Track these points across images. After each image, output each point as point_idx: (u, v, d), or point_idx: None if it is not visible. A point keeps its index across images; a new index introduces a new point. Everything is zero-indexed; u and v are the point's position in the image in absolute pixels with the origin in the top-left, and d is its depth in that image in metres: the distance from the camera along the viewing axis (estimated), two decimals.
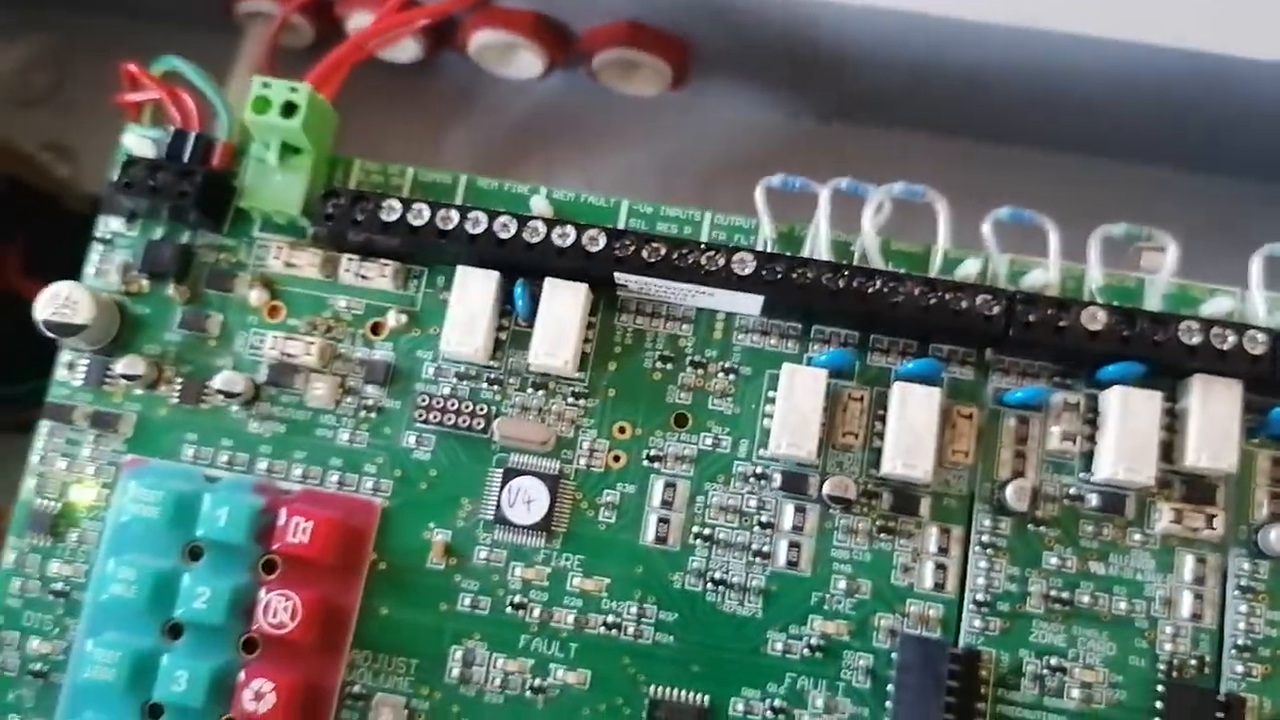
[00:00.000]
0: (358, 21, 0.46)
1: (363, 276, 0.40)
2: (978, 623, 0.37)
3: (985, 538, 0.38)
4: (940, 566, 0.38)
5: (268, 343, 0.40)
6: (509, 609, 0.38)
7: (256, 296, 0.40)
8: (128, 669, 0.36)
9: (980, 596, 0.37)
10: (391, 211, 0.38)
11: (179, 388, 0.40)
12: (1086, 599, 0.37)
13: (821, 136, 0.53)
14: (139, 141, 0.41)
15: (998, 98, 0.48)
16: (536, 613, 0.38)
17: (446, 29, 0.48)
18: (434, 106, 0.54)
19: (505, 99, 0.54)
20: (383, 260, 0.40)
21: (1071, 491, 0.38)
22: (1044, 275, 0.39)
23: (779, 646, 0.37)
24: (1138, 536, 0.38)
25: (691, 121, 0.53)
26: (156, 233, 0.41)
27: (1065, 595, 0.37)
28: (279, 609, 0.36)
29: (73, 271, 0.40)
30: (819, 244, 0.39)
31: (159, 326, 0.40)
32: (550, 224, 0.38)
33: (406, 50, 0.49)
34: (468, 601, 0.38)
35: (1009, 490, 0.37)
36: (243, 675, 0.36)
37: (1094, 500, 0.38)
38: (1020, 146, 0.52)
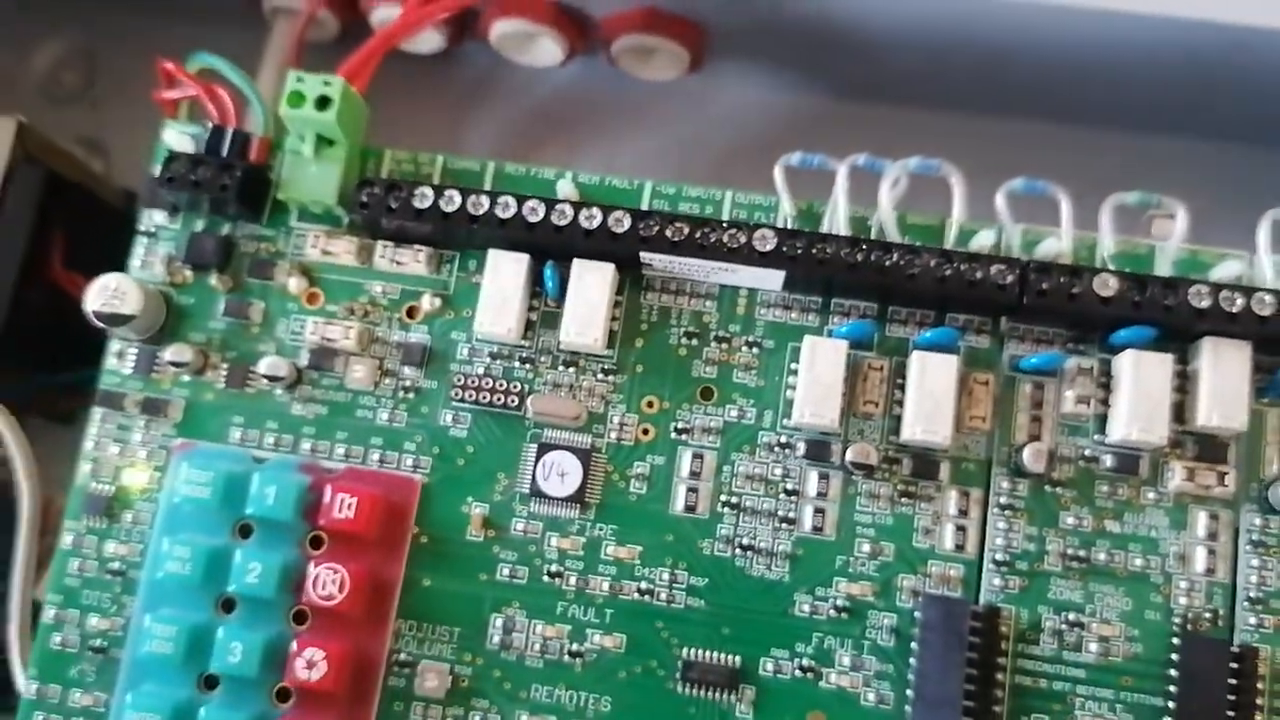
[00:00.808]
0: (383, 14, 0.47)
1: (397, 262, 0.41)
2: (997, 581, 0.38)
3: (1003, 499, 0.39)
4: (960, 528, 0.38)
5: (308, 328, 0.41)
6: (546, 578, 0.39)
7: (296, 284, 0.41)
8: (184, 642, 0.38)
9: (999, 556, 0.38)
10: (424, 199, 0.39)
11: (225, 373, 0.41)
12: (1103, 556, 0.38)
13: (836, 117, 0.53)
14: (178, 137, 0.42)
15: (1009, 74, 0.49)
16: (573, 581, 0.39)
17: (468, 19, 0.49)
18: (456, 96, 0.54)
19: (526, 86, 0.54)
20: (416, 246, 0.41)
21: (1086, 453, 0.39)
22: (1057, 244, 0.39)
23: (806, 608, 0.38)
24: (1151, 495, 0.38)
25: (709, 104, 0.53)
26: (198, 225, 0.42)
27: (1082, 553, 0.38)
28: (327, 581, 0.38)
29: (109, 264, 0.41)
30: (837, 219, 0.40)
31: (203, 315, 0.41)
32: (577, 207, 0.39)
33: (429, 41, 0.50)
34: (506, 571, 0.39)
35: (1026, 453, 0.38)
36: (295, 645, 0.37)
37: (1108, 461, 0.38)
38: (1031, 121, 0.52)
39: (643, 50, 0.49)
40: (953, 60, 0.48)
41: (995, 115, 0.52)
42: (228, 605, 0.39)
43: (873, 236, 0.40)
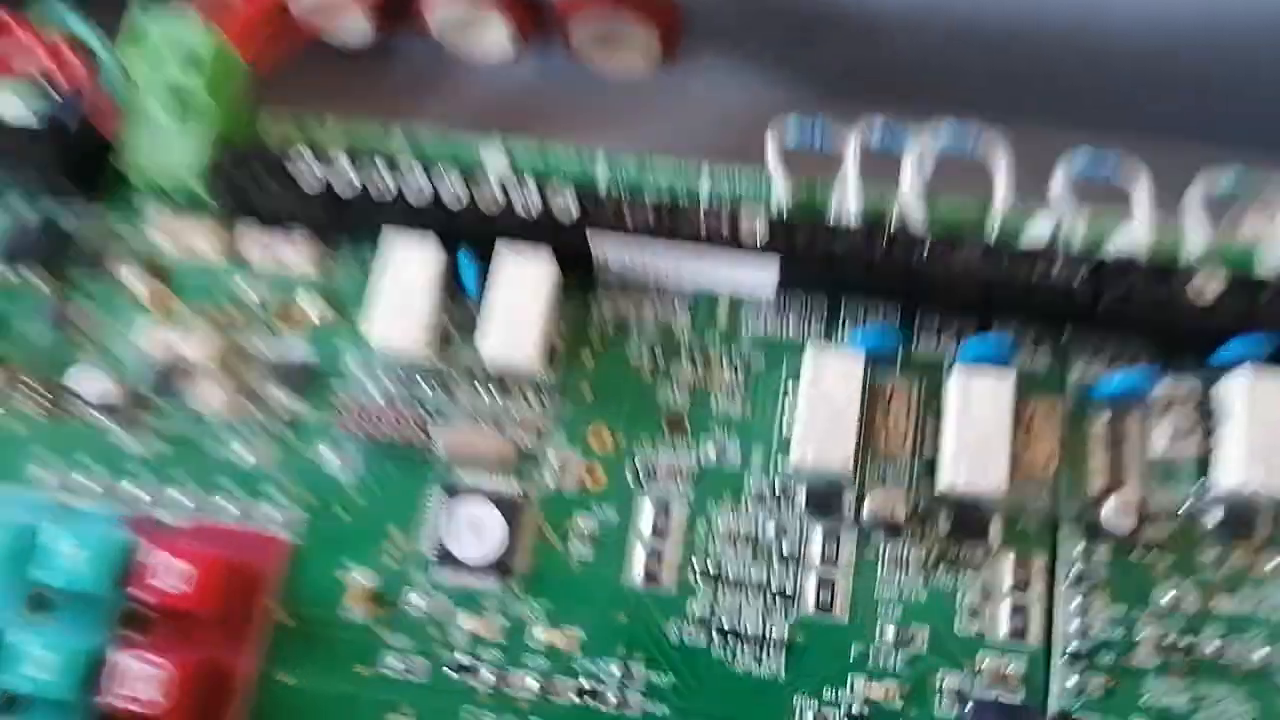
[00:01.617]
0: None
1: (270, 254, 0.37)
2: (1072, 681, 0.32)
3: (1076, 568, 0.33)
4: (1018, 608, 0.33)
5: (152, 340, 0.37)
6: (452, 673, 0.33)
7: (139, 283, 0.37)
8: None
9: (1074, 646, 0.33)
10: (304, 168, 0.35)
11: (39, 397, 0.37)
12: (1213, 646, 0.32)
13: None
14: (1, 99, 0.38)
15: (1024, 70, 0.44)
16: (488, 677, 0.33)
17: (401, 2, 0.45)
18: (393, 95, 0.51)
19: (474, 84, 0.51)
20: (295, 231, 0.37)
21: (1186, 506, 0.34)
22: (1135, 234, 0.34)
23: (810, 716, 0.33)
24: (1276, 562, 0.33)
25: (682, 102, 0.50)
26: (18, 208, 0.38)
27: (1185, 642, 0.33)
28: (144, 680, 0.31)
29: None
30: (846, 205, 0.35)
31: (17, 322, 0.37)
32: (506, 179, 0.35)
33: (356, 30, 0.46)
34: (398, 664, 0.34)
35: (1106, 507, 0.33)
36: None
37: (1217, 516, 0.33)
38: (1044, 127, 0.46)
39: (607, 37, 0.45)
40: (964, 54, 0.44)
41: (1000, 122, 0.48)
42: (6, 704, 0.32)
43: (892, 225, 0.35)
